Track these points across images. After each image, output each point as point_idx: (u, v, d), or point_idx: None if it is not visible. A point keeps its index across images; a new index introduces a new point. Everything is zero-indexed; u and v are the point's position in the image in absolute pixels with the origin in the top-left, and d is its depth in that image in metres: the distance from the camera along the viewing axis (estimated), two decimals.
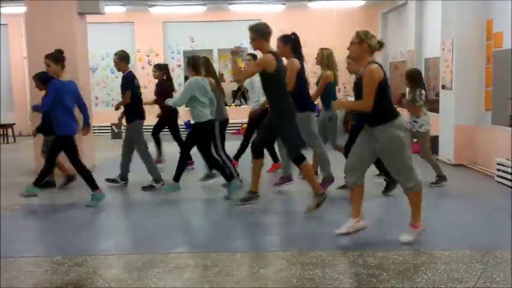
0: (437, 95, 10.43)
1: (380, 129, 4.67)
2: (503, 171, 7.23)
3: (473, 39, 8.46)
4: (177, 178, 6.77)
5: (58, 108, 6.41)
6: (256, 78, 7.06)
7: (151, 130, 9.06)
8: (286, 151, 6.01)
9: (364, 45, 4.66)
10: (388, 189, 6.75)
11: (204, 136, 6.82)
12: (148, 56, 14.79)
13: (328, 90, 7.30)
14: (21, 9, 10.82)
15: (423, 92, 7.13)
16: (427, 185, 7.29)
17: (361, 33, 4.71)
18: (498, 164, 7.38)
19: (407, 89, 7.44)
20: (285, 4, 13.89)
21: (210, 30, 14.54)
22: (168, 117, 8.83)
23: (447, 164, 8.75)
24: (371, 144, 4.76)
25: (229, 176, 6.78)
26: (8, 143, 13.08)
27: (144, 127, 7.64)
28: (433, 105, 11.05)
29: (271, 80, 5.77)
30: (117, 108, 7.81)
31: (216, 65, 15.10)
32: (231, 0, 13.38)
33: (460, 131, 8.60)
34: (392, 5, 13.27)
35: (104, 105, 14.01)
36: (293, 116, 5.96)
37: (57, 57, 6.45)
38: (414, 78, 7.25)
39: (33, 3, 8.52)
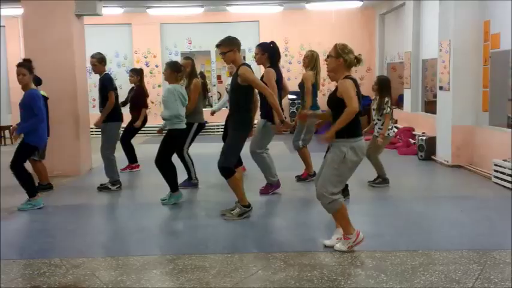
0: (434, 96, 10.47)
1: (337, 141, 4.58)
2: (501, 172, 7.25)
3: (470, 41, 8.48)
4: (174, 188, 6.61)
5: (32, 117, 6.27)
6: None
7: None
8: (221, 158, 5.79)
9: (340, 59, 4.59)
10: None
11: (179, 142, 6.76)
12: (146, 58, 14.80)
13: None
14: (18, 10, 10.80)
15: (389, 100, 7.16)
16: (428, 187, 7.31)
17: (338, 47, 4.63)
18: (495, 164, 7.40)
19: (375, 96, 7.39)
20: (282, 5, 13.89)
21: (207, 32, 14.54)
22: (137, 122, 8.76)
23: (445, 165, 8.76)
24: None
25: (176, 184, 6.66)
26: (5, 144, 13.07)
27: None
28: (431, 107, 11.10)
29: (246, 91, 5.74)
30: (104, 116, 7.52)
31: (214, 67, 15.14)
32: (229, 1, 13.38)
33: (458, 132, 8.61)
34: (389, 6, 13.30)
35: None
36: (248, 131, 5.94)
37: (30, 68, 6.35)
38: (385, 85, 7.24)
39: (30, 5, 8.51)
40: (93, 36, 12.04)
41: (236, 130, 5.85)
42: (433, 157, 9.31)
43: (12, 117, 14.32)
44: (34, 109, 6.23)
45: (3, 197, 7.09)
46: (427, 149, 9.41)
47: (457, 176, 8.09)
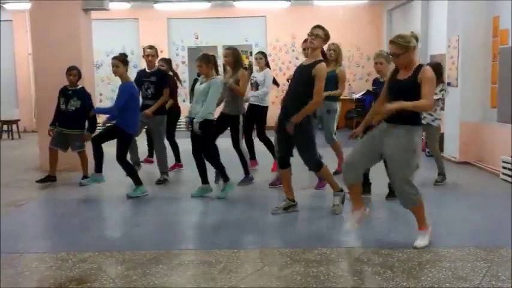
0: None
1: (406, 128, 4.53)
2: (509, 169, 7.20)
3: (479, 36, 8.42)
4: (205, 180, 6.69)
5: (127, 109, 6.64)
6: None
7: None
8: (308, 154, 5.71)
9: (410, 50, 4.50)
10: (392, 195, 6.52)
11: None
12: None
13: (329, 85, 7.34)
14: (26, 5, 10.82)
15: (444, 87, 7.08)
16: (431, 183, 7.27)
17: (401, 41, 4.49)
18: (503, 161, 7.35)
19: None
20: (289, 0, 13.85)
21: (214, 27, 14.51)
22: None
23: (452, 162, 8.72)
24: (380, 144, 4.64)
25: (225, 175, 6.66)
26: (12, 139, 13.12)
27: None
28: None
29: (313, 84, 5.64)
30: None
31: (220, 62, 15.12)
32: None
33: (466, 128, 8.56)
34: (397, 1, 13.21)
35: (108, 102, 13.99)
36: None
37: (124, 60, 6.70)
38: (436, 71, 7.18)
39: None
40: (100, 31, 12.03)
41: (309, 122, 5.66)
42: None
43: (20, 112, 14.40)
44: (127, 101, 6.55)
45: (10, 191, 7.12)
46: None
47: (465, 173, 8.04)
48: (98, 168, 6.92)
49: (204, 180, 6.70)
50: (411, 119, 4.55)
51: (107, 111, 6.74)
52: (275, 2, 14.03)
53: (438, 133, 7.35)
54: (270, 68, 8.30)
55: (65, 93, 7.41)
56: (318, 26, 5.56)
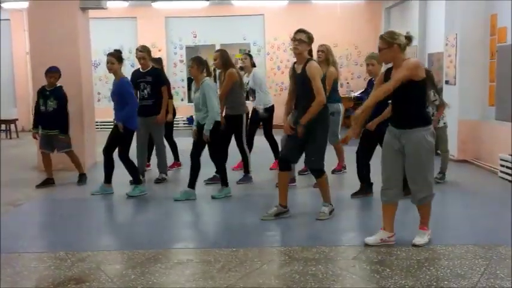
0: (441, 90, 10.39)
1: (415, 131, 4.50)
2: (507, 167, 7.21)
3: (477, 34, 8.42)
4: (192, 184, 6.51)
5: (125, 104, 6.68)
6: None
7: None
8: (315, 158, 5.56)
9: (393, 47, 4.52)
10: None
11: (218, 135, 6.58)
12: None
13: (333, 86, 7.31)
14: (24, 4, 10.80)
15: (433, 92, 6.97)
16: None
17: (386, 36, 4.57)
18: (501, 159, 7.36)
19: None
20: None
21: (212, 26, 14.48)
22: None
23: (450, 160, 8.71)
24: (400, 151, 4.59)
25: (225, 181, 6.61)
26: (11, 138, 13.09)
27: None
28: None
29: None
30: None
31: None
32: None
33: (464, 126, 8.57)
34: (395, 0, 13.21)
35: (106, 101, 13.96)
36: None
37: (119, 57, 6.74)
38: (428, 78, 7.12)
39: None
40: (98, 30, 12.00)
41: (322, 126, 5.54)
42: (438, 152, 9.24)
43: (18, 111, 14.37)
44: (125, 97, 6.63)
45: (8, 190, 7.11)
46: None
47: (463, 171, 8.05)
48: (108, 179, 6.87)
49: (192, 184, 6.50)
50: (422, 120, 4.55)
51: (125, 114, 6.60)
52: (273, 0, 14.01)
53: (446, 132, 7.33)
54: (255, 66, 8.16)
55: (43, 94, 7.31)
56: (301, 30, 5.50)
